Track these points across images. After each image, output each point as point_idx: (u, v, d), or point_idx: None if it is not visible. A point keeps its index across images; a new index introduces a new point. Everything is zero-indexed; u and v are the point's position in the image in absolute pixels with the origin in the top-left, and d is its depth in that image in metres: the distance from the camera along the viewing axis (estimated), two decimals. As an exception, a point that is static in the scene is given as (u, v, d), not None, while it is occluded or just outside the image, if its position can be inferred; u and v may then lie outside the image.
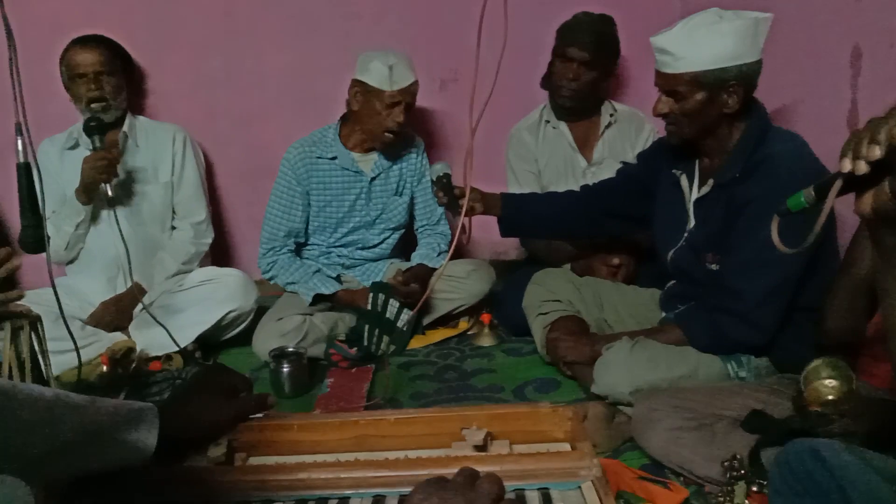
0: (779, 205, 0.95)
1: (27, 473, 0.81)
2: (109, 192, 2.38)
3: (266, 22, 3.06)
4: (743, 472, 1.51)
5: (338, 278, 2.69)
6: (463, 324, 2.72)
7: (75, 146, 2.65)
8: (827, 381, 1.56)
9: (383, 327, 2.47)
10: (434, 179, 2.25)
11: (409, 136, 2.74)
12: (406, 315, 2.50)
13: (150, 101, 3.06)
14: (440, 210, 2.82)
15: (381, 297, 2.49)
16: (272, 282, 2.71)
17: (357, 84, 2.54)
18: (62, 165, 2.62)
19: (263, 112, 3.12)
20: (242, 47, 3.07)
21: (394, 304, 2.50)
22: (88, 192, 2.49)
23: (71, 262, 2.68)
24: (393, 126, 2.52)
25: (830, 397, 1.53)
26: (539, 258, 2.77)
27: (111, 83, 2.59)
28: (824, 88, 2.26)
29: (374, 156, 2.68)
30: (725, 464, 1.54)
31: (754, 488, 1.49)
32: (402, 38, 3.10)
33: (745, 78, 1.78)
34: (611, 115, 2.79)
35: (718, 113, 1.83)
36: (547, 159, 2.81)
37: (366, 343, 2.44)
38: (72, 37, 2.62)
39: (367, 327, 2.46)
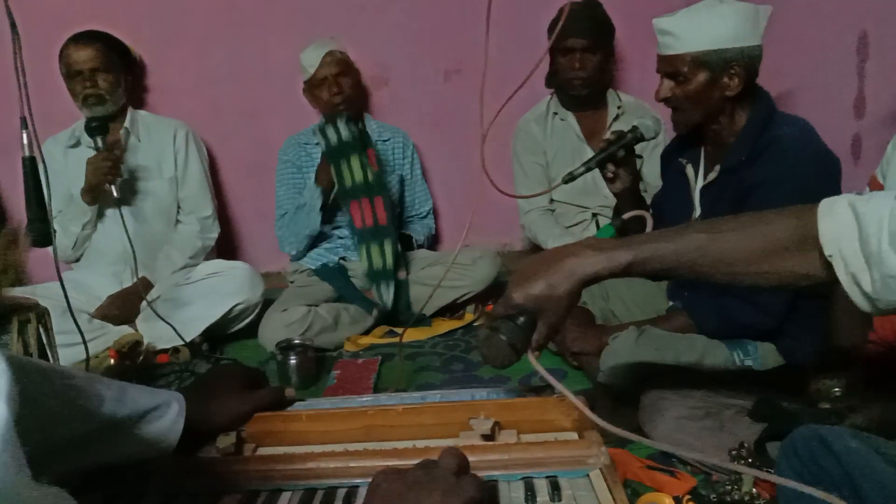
0: None
1: (51, 462, 0.81)
2: (115, 193, 2.39)
3: (270, 15, 3.06)
4: (750, 460, 1.51)
5: (343, 262, 2.76)
6: (468, 315, 2.73)
7: (77, 144, 2.65)
8: (830, 380, 1.56)
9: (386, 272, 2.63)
10: (627, 130, 1.96)
11: (392, 128, 2.99)
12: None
13: (154, 96, 3.06)
14: (429, 206, 3.05)
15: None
16: (289, 248, 2.80)
17: (303, 89, 2.86)
18: (66, 163, 2.62)
19: (268, 105, 3.13)
20: (246, 41, 3.07)
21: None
22: (94, 193, 2.50)
23: (77, 259, 2.70)
24: (336, 99, 2.70)
25: (836, 391, 1.53)
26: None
27: (107, 80, 2.59)
28: (831, 75, 2.25)
29: None
30: (733, 452, 1.54)
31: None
32: (405, 30, 3.10)
33: (746, 60, 1.79)
34: (618, 108, 2.77)
35: (721, 96, 1.82)
36: (555, 151, 2.80)
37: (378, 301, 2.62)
38: (76, 31, 2.62)
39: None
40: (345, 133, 2.61)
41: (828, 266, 0.87)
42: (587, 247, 0.95)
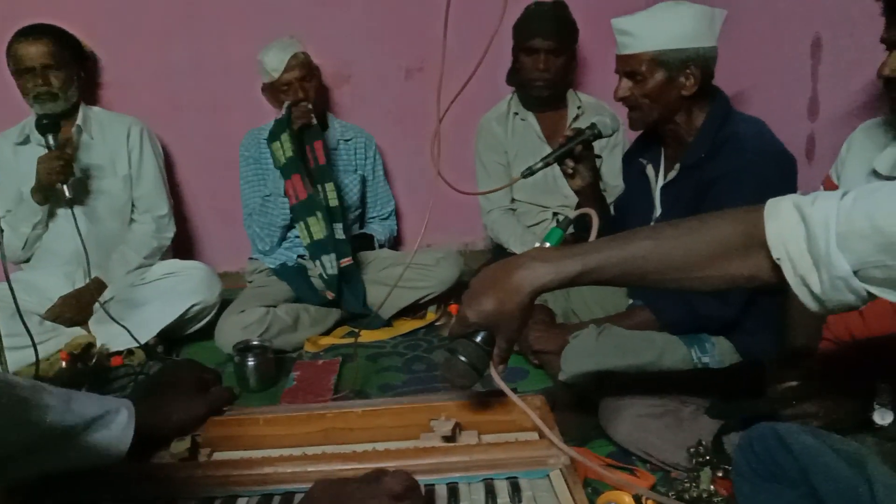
0: None
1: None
2: (67, 193, 2.33)
3: (229, 9, 3.01)
4: (708, 457, 1.53)
5: (302, 260, 2.73)
6: (430, 315, 2.72)
7: (27, 141, 2.57)
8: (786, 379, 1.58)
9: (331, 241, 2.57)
10: (585, 127, 1.99)
11: (354, 128, 2.93)
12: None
13: (109, 92, 2.99)
14: (392, 207, 3.03)
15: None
16: (262, 244, 2.74)
17: (263, 87, 2.73)
18: (16, 161, 2.55)
19: (227, 101, 3.08)
20: (205, 35, 3.01)
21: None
22: (45, 193, 2.43)
23: (27, 259, 2.62)
24: (303, 107, 2.60)
25: (792, 383, 1.55)
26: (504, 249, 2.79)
27: (59, 77, 2.51)
28: (786, 77, 2.29)
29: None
30: (691, 450, 1.56)
31: (719, 473, 1.51)
32: (366, 27, 3.08)
33: (702, 61, 1.83)
34: (578, 108, 2.79)
35: (677, 95, 1.86)
36: (516, 151, 2.80)
37: (323, 274, 2.56)
38: (25, 24, 2.54)
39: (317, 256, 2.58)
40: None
41: (775, 268, 0.88)
42: (534, 258, 0.95)
